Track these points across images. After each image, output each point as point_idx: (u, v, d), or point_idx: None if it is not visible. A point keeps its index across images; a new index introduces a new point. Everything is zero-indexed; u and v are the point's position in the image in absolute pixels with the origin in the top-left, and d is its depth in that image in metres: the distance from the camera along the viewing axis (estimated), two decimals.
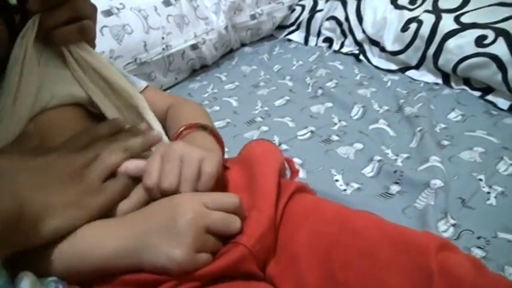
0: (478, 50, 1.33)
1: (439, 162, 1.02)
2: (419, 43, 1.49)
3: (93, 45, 0.81)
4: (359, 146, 1.15)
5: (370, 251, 0.58)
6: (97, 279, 0.56)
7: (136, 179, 0.63)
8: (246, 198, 0.64)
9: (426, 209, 0.90)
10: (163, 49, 1.54)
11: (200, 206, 0.57)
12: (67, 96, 0.75)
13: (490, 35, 1.33)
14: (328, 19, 1.87)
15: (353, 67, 1.65)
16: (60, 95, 0.74)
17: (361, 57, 1.70)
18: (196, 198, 0.58)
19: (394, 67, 1.60)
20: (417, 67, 1.53)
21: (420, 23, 1.50)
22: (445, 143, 1.13)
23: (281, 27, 2.06)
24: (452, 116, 1.26)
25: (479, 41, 1.34)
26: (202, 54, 1.70)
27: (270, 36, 2.06)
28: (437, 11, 1.50)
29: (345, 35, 1.81)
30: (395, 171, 1.01)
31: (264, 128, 1.29)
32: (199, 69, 1.77)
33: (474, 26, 1.38)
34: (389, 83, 1.48)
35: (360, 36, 1.74)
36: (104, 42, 1.37)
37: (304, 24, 1.97)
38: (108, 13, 1.44)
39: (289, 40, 2.00)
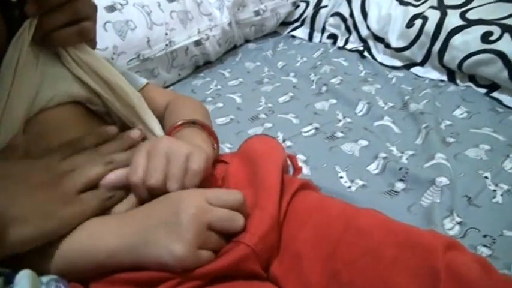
0: (484, 46, 1.32)
1: (444, 160, 1.01)
2: (425, 39, 1.48)
3: (92, 45, 0.81)
4: (364, 142, 1.14)
5: (375, 249, 0.57)
6: (98, 277, 0.56)
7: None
8: (249, 195, 0.63)
9: (432, 206, 0.89)
10: (167, 45, 1.53)
11: (203, 202, 0.56)
12: (66, 95, 0.74)
13: (496, 31, 1.32)
14: (332, 15, 1.86)
15: (357, 63, 1.64)
16: (60, 93, 0.74)
17: (366, 53, 1.69)
18: (199, 194, 0.58)
19: (399, 64, 1.59)
20: (422, 64, 1.52)
21: (425, 19, 1.49)
22: (451, 140, 1.12)
23: (285, 23, 2.04)
24: (457, 113, 1.24)
25: (485, 38, 1.33)
26: (206, 50, 1.69)
27: (274, 33, 2.05)
28: (442, 7, 1.49)
29: (349, 32, 1.79)
30: (400, 169, 1.00)
31: (268, 125, 1.28)
32: (203, 65, 1.77)
33: (480, 22, 1.37)
34: (394, 80, 1.47)
35: (364, 32, 1.73)
36: (107, 38, 1.37)
37: (308, 21, 1.96)
38: (111, 9, 1.43)
39: (293, 36, 1.99)
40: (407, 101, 1.31)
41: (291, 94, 1.45)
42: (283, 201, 0.66)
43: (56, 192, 0.56)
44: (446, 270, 0.51)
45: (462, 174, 0.98)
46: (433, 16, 1.47)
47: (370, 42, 1.71)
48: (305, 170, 1.05)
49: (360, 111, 1.31)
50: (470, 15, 1.41)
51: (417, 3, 1.59)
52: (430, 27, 1.46)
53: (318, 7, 1.93)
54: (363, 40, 1.74)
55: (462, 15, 1.42)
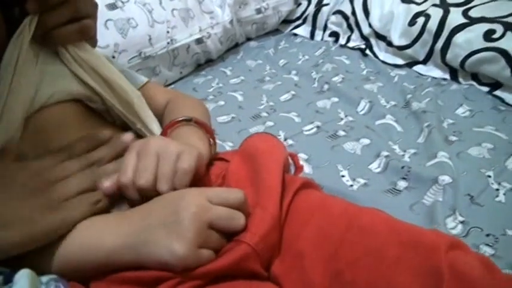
0: (487, 44, 1.31)
1: (447, 158, 1.01)
2: (427, 37, 1.48)
3: (93, 43, 0.80)
4: (366, 141, 1.14)
5: (378, 249, 0.57)
6: (98, 276, 0.56)
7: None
8: (250, 193, 0.63)
9: (434, 205, 0.89)
10: (168, 43, 1.53)
11: (204, 200, 0.55)
12: (66, 92, 0.74)
13: (499, 29, 1.31)
14: (334, 13, 1.85)
15: (359, 62, 1.63)
16: (59, 91, 0.73)
17: (368, 51, 1.68)
18: (199, 192, 0.57)
19: (401, 62, 1.58)
20: (424, 62, 1.51)
21: (428, 17, 1.48)
22: (453, 138, 1.11)
23: (287, 21, 2.04)
24: (460, 111, 1.24)
25: (488, 36, 1.32)
26: (207, 48, 1.69)
27: (275, 31, 2.05)
28: (445, 5, 1.48)
29: (351, 30, 1.79)
30: (402, 167, 1.00)
31: (270, 123, 1.27)
32: (204, 63, 1.76)
33: (482, 20, 1.37)
34: (396, 78, 1.47)
35: (366, 30, 1.72)
36: (108, 36, 1.37)
37: (310, 19, 1.95)
38: (112, 6, 1.43)
39: (295, 34, 1.98)
40: (409, 99, 1.31)
41: (292, 92, 1.45)
42: (284, 200, 0.66)
43: (43, 198, 0.55)
44: (449, 269, 0.50)
45: (465, 173, 0.98)
46: (436, 14, 1.47)
47: (372, 41, 1.71)
48: (307, 169, 1.05)
49: (361, 110, 1.30)
50: (473, 13, 1.40)
51: (419, 1, 1.59)
52: (433, 25, 1.46)
53: (319, 5, 1.93)
54: (365, 38, 1.73)
55: (465, 13, 1.42)
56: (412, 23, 1.53)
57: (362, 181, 1.00)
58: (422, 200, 0.92)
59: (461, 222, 0.86)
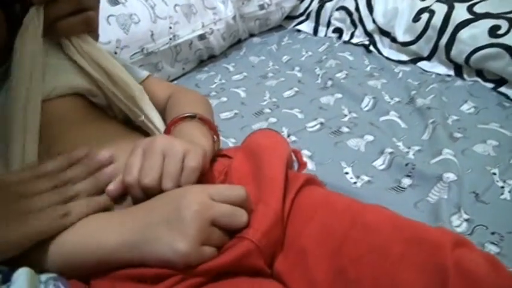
0: (492, 40, 1.30)
1: (452, 155, 1.00)
2: (431, 33, 1.47)
3: (95, 36, 0.81)
4: (370, 138, 1.13)
5: (382, 246, 0.56)
6: (99, 273, 0.55)
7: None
8: (252, 190, 0.63)
9: (439, 203, 0.88)
10: (171, 39, 1.52)
11: (206, 197, 0.55)
12: (67, 86, 0.74)
13: (504, 25, 1.30)
14: (338, 9, 1.84)
15: (363, 58, 1.62)
16: (61, 85, 0.74)
17: (372, 48, 1.67)
18: (201, 190, 0.57)
19: (405, 58, 1.57)
20: (429, 58, 1.50)
21: (432, 13, 1.47)
22: (458, 135, 1.10)
23: (290, 17, 2.03)
24: (464, 108, 1.23)
25: (493, 31, 1.31)
26: (210, 44, 1.68)
27: (278, 27, 2.04)
28: (449, 1, 1.47)
29: (355, 26, 1.78)
30: (407, 164, 0.99)
31: (273, 120, 1.27)
32: (207, 59, 1.75)
33: (487, 16, 1.36)
34: (400, 74, 1.46)
35: (370, 26, 1.71)
36: (110, 32, 1.36)
37: (313, 15, 1.94)
38: (114, 2, 1.42)
39: (299, 31, 1.97)
40: (413, 95, 1.30)
41: (295, 89, 1.44)
42: (288, 197, 0.65)
43: (11, 209, 0.54)
44: (455, 266, 0.50)
45: (469, 170, 0.97)
46: (440, 10, 1.46)
47: (376, 37, 1.70)
48: (310, 166, 1.04)
49: (365, 106, 1.29)
50: (478, 9, 1.39)
51: None
52: (437, 21, 1.45)
53: (323, 1, 1.92)
54: (368, 34, 1.72)
55: (469, 9, 1.41)
56: (416, 18, 1.52)
57: (366, 178, 0.99)
58: (427, 197, 0.91)
59: (466, 220, 0.85)
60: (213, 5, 1.68)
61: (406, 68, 1.50)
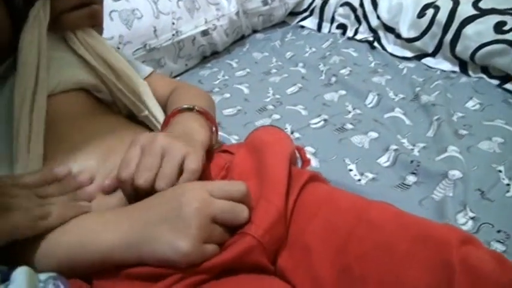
0: (497, 36, 1.29)
1: (457, 153, 0.99)
2: (436, 29, 1.45)
3: (100, 31, 0.81)
4: (374, 134, 1.12)
5: (388, 243, 0.56)
6: (101, 272, 0.55)
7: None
8: (255, 186, 0.62)
9: (444, 200, 0.88)
10: (173, 35, 1.52)
11: (205, 194, 0.54)
12: (72, 81, 0.74)
13: (510, 21, 1.29)
14: (342, 5, 1.83)
15: (367, 54, 1.61)
16: (66, 79, 0.73)
17: (376, 44, 1.66)
18: (200, 186, 0.56)
19: (409, 54, 1.56)
20: (434, 54, 1.49)
21: (437, 8, 1.46)
22: (463, 132, 1.09)
23: (294, 13, 2.02)
24: (470, 104, 1.22)
25: (498, 27, 1.30)
26: (213, 40, 1.67)
27: (282, 23, 2.03)
28: None
29: (359, 22, 1.77)
30: (411, 161, 0.98)
31: (276, 116, 1.26)
32: (210, 55, 1.75)
33: (493, 11, 1.35)
34: (405, 71, 1.45)
35: (374, 22, 1.70)
36: (113, 27, 1.35)
37: (317, 11, 1.93)
38: None
39: (302, 27, 1.96)
40: (418, 92, 1.29)
41: (299, 85, 1.43)
42: (291, 194, 0.65)
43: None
44: (461, 263, 0.50)
45: (475, 168, 0.96)
46: (445, 5, 1.44)
47: (381, 33, 1.69)
48: (314, 163, 1.03)
49: (370, 103, 1.28)
50: (483, 5, 1.38)
51: None
52: (442, 16, 1.44)
53: None
54: (373, 30, 1.71)
55: (475, 5, 1.39)
56: (421, 14, 1.51)
57: (370, 175, 0.98)
58: (432, 195, 0.91)
59: (472, 218, 0.84)
60: (216, 1, 1.67)
61: (411, 65, 1.50)
